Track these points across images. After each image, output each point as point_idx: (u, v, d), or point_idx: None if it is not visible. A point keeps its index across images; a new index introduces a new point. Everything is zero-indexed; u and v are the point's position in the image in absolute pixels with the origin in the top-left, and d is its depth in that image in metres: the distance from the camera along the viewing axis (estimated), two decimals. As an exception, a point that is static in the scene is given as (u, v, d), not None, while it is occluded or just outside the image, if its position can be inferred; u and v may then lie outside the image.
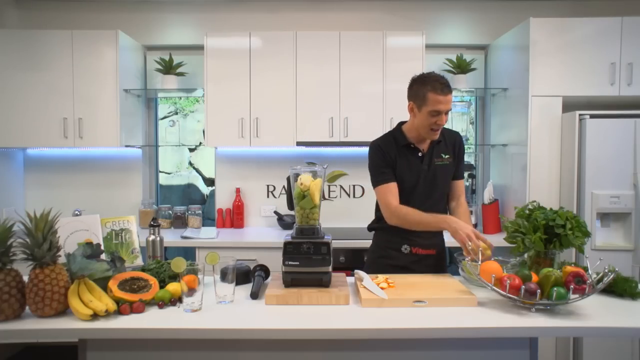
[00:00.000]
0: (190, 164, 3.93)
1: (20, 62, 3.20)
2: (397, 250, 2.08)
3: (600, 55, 2.94)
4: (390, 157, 2.03)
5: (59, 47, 3.19)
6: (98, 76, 3.21)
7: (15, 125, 3.20)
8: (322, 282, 1.65)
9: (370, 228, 2.22)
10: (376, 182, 2.05)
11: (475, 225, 3.32)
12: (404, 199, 2.01)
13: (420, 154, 2.06)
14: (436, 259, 2.13)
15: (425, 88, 1.91)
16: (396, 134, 2.10)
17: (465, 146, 3.68)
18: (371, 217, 2.22)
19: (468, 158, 3.70)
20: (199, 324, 1.42)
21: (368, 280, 1.70)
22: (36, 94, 3.20)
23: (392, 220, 2.01)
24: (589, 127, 2.79)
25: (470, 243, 1.76)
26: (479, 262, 1.64)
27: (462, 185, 2.20)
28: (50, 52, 3.20)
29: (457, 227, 1.83)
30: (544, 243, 1.64)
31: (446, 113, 1.94)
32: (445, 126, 2.07)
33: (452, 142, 2.14)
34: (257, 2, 3.57)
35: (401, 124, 2.14)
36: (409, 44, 3.24)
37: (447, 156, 2.09)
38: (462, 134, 3.52)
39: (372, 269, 1.97)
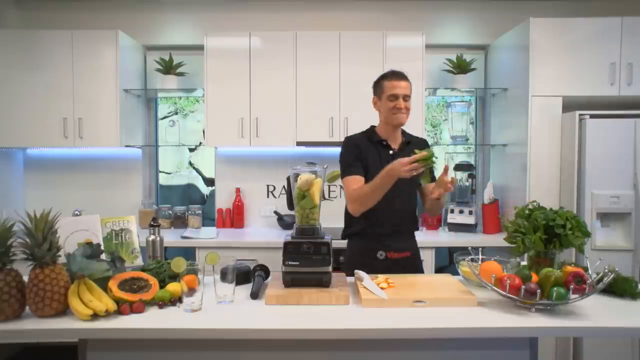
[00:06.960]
0: (190, 164, 3.93)
1: (20, 62, 3.20)
2: (373, 258, 2.08)
3: (600, 55, 2.94)
4: (361, 150, 2.10)
5: (59, 47, 3.20)
6: (98, 76, 3.21)
7: (15, 125, 3.20)
8: (322, 282, 1.65)
9: (343, 236, 2.22)
10: (344, 173, 2.09)
11: (475, 226, 3.32)
12: None
13: (391, 152, 2.12)
14: (412, 260, 2.15)
15: (382, 80, 2.13)
16: (369, 132, 2.21)
17: (465, 146, 3.72)
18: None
19: (468, 158, 3.70)
20: (199, 324, 1.42)
21: (368, 280, 1.70)
22: (36, 94, 3.20)
23: (355, 206, 2.02)
24: (589, 127, 2.79)
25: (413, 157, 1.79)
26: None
27: None
28: (50, 52, 3.20)
29: (393, 164, 1.84)
30: (544, 243, 1.64)
31: (405, 99, 2.06)
32: (413, 133, 2.25)
33: (421, 147, 2.12)
34: (257, 2, 3.57)
35: (373, 126, 2.23)
36: (409, 44, 3.24)
37: None
38: (462, 134, 3.54)
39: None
